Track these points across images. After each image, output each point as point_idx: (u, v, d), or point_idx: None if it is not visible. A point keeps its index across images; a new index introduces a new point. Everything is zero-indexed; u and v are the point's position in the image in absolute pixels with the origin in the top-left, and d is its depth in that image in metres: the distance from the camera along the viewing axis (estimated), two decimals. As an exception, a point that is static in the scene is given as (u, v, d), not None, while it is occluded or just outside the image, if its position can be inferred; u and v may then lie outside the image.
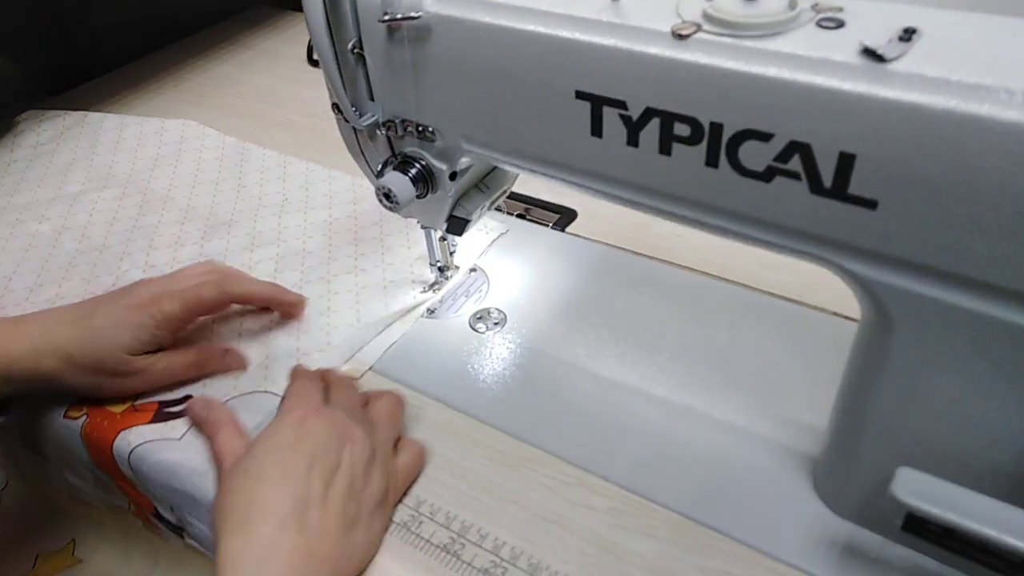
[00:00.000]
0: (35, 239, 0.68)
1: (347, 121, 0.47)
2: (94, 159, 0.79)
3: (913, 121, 0.28)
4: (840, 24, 0.31)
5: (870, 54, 0.29)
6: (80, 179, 0.76)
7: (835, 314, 0.54)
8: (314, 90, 0.89)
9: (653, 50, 0.33)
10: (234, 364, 0.53)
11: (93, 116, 0.86)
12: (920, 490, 0.33)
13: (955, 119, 0.28)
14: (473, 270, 0.61)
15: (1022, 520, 0.32)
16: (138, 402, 0.51)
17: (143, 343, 0.49)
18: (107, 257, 0.66)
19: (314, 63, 0.95)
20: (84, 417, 0.51)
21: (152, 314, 0.49)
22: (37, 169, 0.78)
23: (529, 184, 0.66)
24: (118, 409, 0.51)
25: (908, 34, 0.30)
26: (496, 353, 0.54)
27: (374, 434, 0.44)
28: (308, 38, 0.95)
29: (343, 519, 0.39)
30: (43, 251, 0.66)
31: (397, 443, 0.46)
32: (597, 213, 0.66)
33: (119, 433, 0.50)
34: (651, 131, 0.35)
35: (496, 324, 0.56)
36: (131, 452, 0.49)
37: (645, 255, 0.61)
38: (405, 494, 0.45)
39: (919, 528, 0.39)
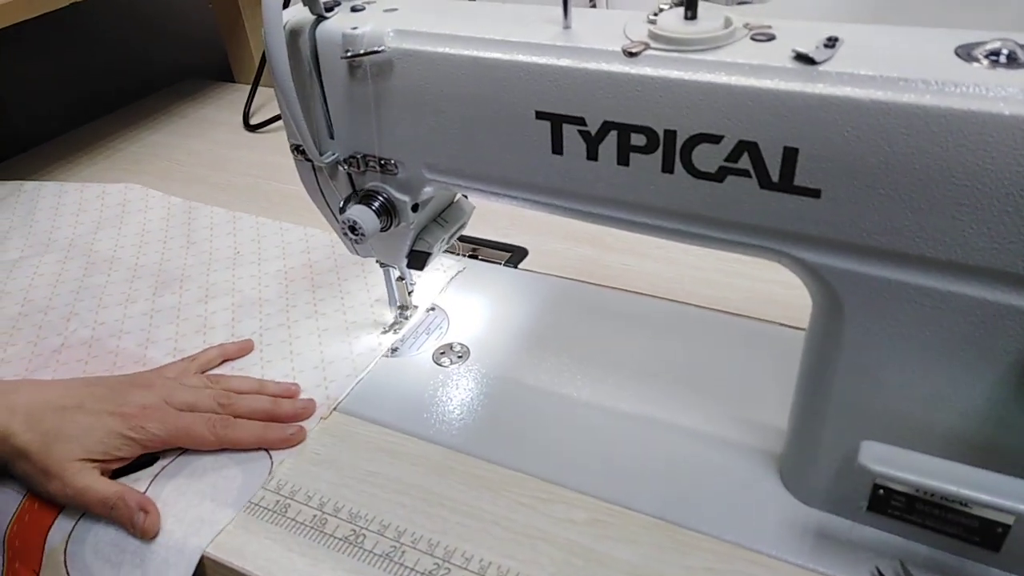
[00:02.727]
0: (-28, 308, 0.65)
1: (308, 160, 0.48)
2: (33, 226, 0.77)
3: (846, 113, 0.32)
4: (771, 38, 0.35)
5: (802, 58, 0.33)
6: (19, 246, 0.74)
7: (780, 324, 0.57)
8: (255, 153, 0.90)
9: (607, 67, 0.36)
10: (144, 529, 0.45)
11: (28, 185, 0.84)
12: (885, 458, 0.36)
13: (882, 108, 0.31)
14: (432, 309, 0.62)
15: (979, 476, 0.34)
16: None
17: (106, 449, 0.47)
18: (53, 318, 0.64)
19: (252, 128, 0.96)
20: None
21: (133, 427, 0.47)
22: (-30, 240, 0.76)
23: (478, 227, 0.68)
24: None
25: (832, 42, 0.34)
26: (462, 384, 0.54)
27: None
28: (243, 106, 0.98)
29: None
30: (-18, 318, 0.64)
31: None
32: (547, 250, 0.68)
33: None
34: (609, 144, 0.38)
35: (460, 357, 0.57)
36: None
37: (596, 284, 0.63)
38: None
39: (884, 505, 0.41)
